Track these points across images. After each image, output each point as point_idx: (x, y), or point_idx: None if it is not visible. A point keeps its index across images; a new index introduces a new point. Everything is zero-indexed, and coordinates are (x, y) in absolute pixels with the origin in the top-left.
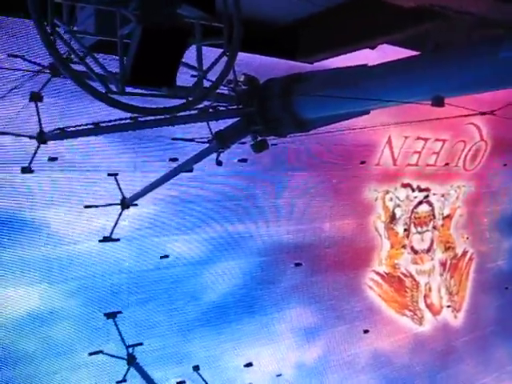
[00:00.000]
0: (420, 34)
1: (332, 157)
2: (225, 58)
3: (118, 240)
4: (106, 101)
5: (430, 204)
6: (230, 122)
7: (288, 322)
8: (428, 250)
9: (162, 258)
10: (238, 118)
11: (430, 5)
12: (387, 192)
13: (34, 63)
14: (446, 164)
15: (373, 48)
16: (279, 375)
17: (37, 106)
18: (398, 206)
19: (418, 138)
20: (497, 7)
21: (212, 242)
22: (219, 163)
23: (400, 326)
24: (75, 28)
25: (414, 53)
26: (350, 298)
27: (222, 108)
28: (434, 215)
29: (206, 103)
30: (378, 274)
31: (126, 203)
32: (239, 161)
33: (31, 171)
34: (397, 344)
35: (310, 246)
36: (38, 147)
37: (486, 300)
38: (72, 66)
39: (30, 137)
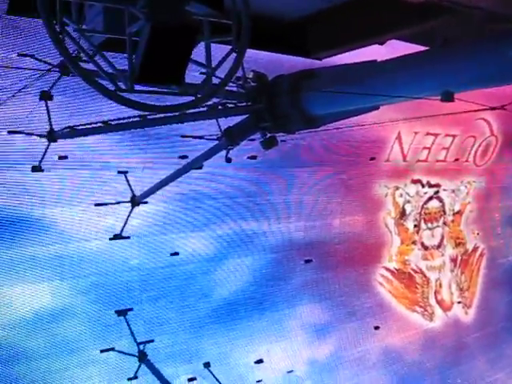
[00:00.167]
0: (429, 30)
1: (341, 153)
2: (233, 55)
3: (128, 238)
4: (115, 99)
5: (441, 200)
6: (239, 119)
7: (299, 318)
8: (438, 246)
9: (172, 255)
10: (247, 115)
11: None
12: (397, 188)
13: (44, 62)
14: (456, 159)
15: (382, 44)
16: (290, 371)
17: (47, 104)
18: (408, 201)
19: (428, 134)
20: (505, 2)
21: (222, 238)
22: (228, 160)
23: (410, 322)
24: (84, 26)
25: (423, 48)
26: (361, 295)
27: (230, 105)
28: (444, 211)
29: (215, 100)
30: (388, 270)
31: (136, 201)
32: (249, 158)
33: (41, 170)
34: (407, 340)
35: (320, 243)
36: (49, 146)
37: (497, 296)
38: (81, 64)
39: (41, 135)
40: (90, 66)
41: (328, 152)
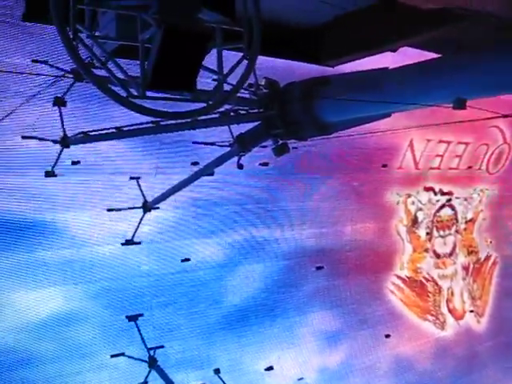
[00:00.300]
0: (441, 37)
1: (353, 160)
2: (245, 62)
3: (139, 243)
4: (128, 105)
5: (453, 208)
6: (251, 125)
7: (310, 325)
8: (450, 254)
9: (183, 261)
10: (259, 122)
11: (452, 6)
12: (409, 195)
13: (58, 68)
14: (469, 167)
15: (394, 51)
16: (300, 379)
17: (60, 110)
18: (420, 209)
19: (441, 141)
20: None
21: (233, 245)
22: (240, 167)
23: (422, 330)
24: (97, 33)
25: (435, 55)
26: (372, 302)
27: (242, 112)
28: (456, 219)
29: (228, 107)
30: (399, 278)
31: (147, 206)
32: (260, 164)
33: (55, 175)
34: (419, 349)
35: (331, 250)
36: (62, 151)
37: (509, 304)
38: (94, 70)
39: (54, 141)
40: (103, 73)
41: (340, 159)
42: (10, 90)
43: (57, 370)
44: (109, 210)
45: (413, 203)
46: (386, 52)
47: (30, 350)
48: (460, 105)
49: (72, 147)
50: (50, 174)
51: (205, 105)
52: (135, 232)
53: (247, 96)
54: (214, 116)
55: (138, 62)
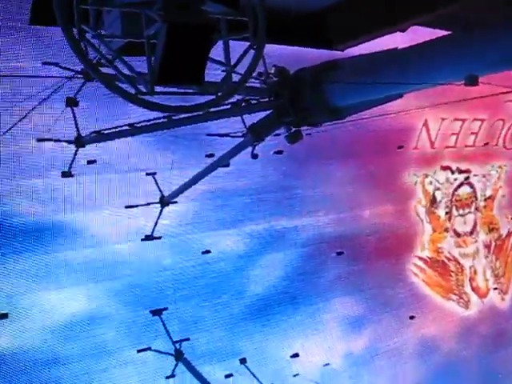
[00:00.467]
0: (450, 14)
1: (368, 143)
2: (253, 51)
3: (159, 238)
4: (137, 102)
5: (471, 185)
6: (264, 115)
7: (333, 311)
8: (471, 233)
9: (204, 253)
10: (271, 111)
11: None
12: (426, 176)
13: (68, 69)
14: (486, 144)
15: (403, 31)
16: (326, 365)
17: (73, 110)
18: (438, 189)
19: (455, 120)
20: None
21: (252, 234)
22: (255, 156)
23: (446, 310)
24: (103, 32)
25: (445, 33)
26: (394, 285)
27: (254, 101)
28: (475, 197)
29: (239, 97)
30: (421, 259)
31: (165, 201)
32: (275, 153)
33: (71, 175)
34: (443, 329)
35: (351, 235)
36: (77, 151)
37: None
38: (102, 69)
39: (68, 141)
40: (111, 72)
41: (354, 143)
42: (22, 93)
43: (83, 368)
44: (127, 207)
45: (430, 183)
46: (395, 32)
47: (57, 349)
48: (472, 81)
49: (87, 147)
50: (66, 174)
51: (214, 97)
52: (154, 227)
53: (258, 85)
54: (225, 107)
55: (145, 59)
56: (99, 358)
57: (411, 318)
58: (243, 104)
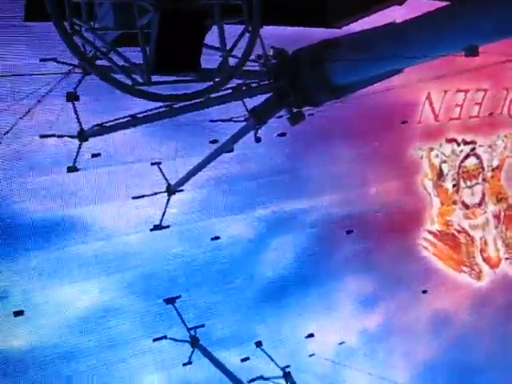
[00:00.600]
0: None
1: (371, 120)
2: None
3: (168, 227)
4: (134, 93)
5: (478, 156)
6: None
7: (345, 290)
8: (480, 204)
9: (213, 239)
10: (271, 93)
11: None
12: (432, 149)
13: (66, 64)
14: (490, 114)
15: (400, 4)
16: (341, 343)
17: (74, 105)
18: (445, 161)
19: (458, 91)
20: None
21: (260, 218)
22: (258, 140)
23: (458, 282)
24: (96, 25)
25: (442, 4)
26: (405, 260)
27: (254, 85)
28: (482, 167)
29: (239, 82)
30: (431, 233)
31: (171, 190)
32: (278, 135)
33: (77, 170)
34: (457, 301)
35: (359, 213)
36: (81, 145)
37: None
38: (99, 62)
39: (72, 136)
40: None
41: (357, 121)
42: (22, 91)
43: (101, 360)
44: (134, 198)
45: (436, 156)
46: (393, 6)
47: (73, 343)
48: (472, 52)
49: (90, 140)
50: (72, 169)
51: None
52: (163, 216)
53: (257, 69)
54: (226, 92)
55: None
56: (116, 349)
57: (424, 292)
58: (244, 88)
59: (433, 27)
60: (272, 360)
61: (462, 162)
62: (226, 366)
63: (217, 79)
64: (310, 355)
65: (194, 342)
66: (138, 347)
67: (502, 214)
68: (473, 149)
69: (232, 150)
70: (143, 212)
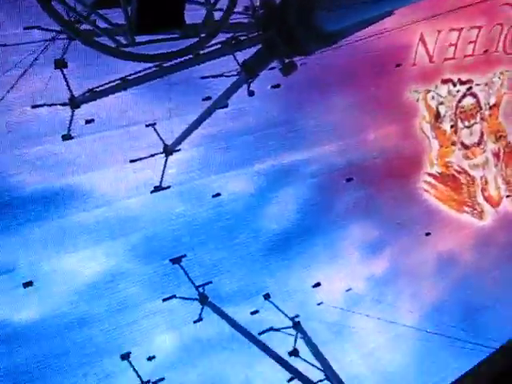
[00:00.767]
0: None
1: (365, 66)
2: None
3: (168, 187)
4: (119, 55)
5: (474, 95)
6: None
7: (349, 237)
8: (479, 143)
9: (214, 196)
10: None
11: None
12: (428, 91)
13: (50, 30)
14: (485, 51)
15: None
16: (349, 290)
17: (62, 72)
18: (441, 103)
19: (452, 30)
20: None
21: (261, 172)
22: (251, 93)
23: (461, 223)
24: None
25: None
26: (407, 204)
27: (243, 38)
28: (479, 106)
29: (228, 35)
30: (431, 175)
31: (169, 150)
32: (272, 87)
33: (71, 137)
34: (460, 241)
35: (358, 160)
36: (73, 112)
37: None
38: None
39: (63, 104)
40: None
41: (351, 67)
42: (8, 61)
43: (112, 324)
44: (132, 161)
45: (433, 98)
46: None
47: (84, 309)
48: None
49: (83, 107)
50: (66, 137)
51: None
52: (162, 177)
53: (246, 21)
54: (215, 47)
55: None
56: (126, 312)
57: (427, 234)
58: (233, 42)
59: None
60: (281, 311)
61: (459, 102)
62: (236, 321)
63: (203, 35)
64: (318, 304)
65: (203, 299)
66: (148, 308)
67: (502, 151)
68: (469, 88)
69: (227, 106)
70: (142, 175)
